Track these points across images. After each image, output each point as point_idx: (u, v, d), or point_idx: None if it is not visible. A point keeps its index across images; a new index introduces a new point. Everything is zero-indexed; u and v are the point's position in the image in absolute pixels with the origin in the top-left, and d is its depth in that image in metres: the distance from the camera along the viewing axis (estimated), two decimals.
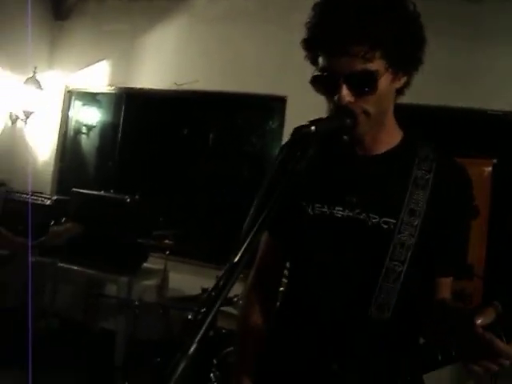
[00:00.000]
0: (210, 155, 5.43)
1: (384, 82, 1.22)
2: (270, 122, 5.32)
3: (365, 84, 1.20)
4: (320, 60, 1.25)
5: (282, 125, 5.09)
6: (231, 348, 3.20)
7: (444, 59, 4.20)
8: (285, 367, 1.38)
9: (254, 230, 0.97)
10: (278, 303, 1.51)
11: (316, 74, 1.27)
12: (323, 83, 1.25)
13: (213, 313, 0.89)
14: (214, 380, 3.09)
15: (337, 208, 1.32)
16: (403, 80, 1.29)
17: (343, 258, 1.32)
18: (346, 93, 1.20)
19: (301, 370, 1.34)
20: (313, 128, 1.08)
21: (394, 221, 1.28)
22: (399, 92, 1.32)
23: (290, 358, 1.38)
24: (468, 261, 1.42)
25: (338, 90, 1.20)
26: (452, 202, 1.31)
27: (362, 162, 1.35)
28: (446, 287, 1.37)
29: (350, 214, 1.31)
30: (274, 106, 5.20)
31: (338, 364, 1.27)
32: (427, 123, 4.43)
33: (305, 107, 4.58)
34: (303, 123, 1.10)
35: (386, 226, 1.28)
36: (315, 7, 1.24)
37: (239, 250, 0.94)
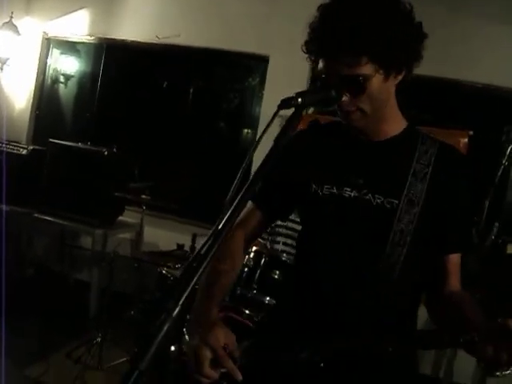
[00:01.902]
0: (189, 109, 5.41)
1: (376, 83, 1.28)
2: (251, 79, 5.31)
3: (353, 87, 1.27)
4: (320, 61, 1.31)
5: (262, 83, 5.07)
6: None
7: (430, 29, 4.20)
8: (282, 342, 1.42)
9: (239, 198, 1.01)
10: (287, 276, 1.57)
11: (318, 73, 1.32)
12: (324, 82, 1.31)
13: (198, 276, 0.93)
14: (185, 333, 3.17)
15: (345, 189, 1.40)
16: (401, 75, 1.34)
17: (351, 235, 1.40)
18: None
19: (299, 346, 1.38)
20: (300, 100, 1.13)
21: (397, 201, 1.36)
22: (401, 83, 1.37)
23: (288, 334, 1.43)
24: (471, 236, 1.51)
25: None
26: (451, 193, 1.40)
27: (365, 147, 1.43)
28: (454, 263, 1.46)
29: (357, 194, 1.39)
30: (255, 64, 5.17)
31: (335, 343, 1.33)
32: (407, 92, 4.46)
33: (286, 67, 4.59)
34: (290, 95, 1.14)
35: (389, 206, 1.37)
36: (319, 9, 1.29)
37: (223, 217, 0.99)
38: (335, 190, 1.41)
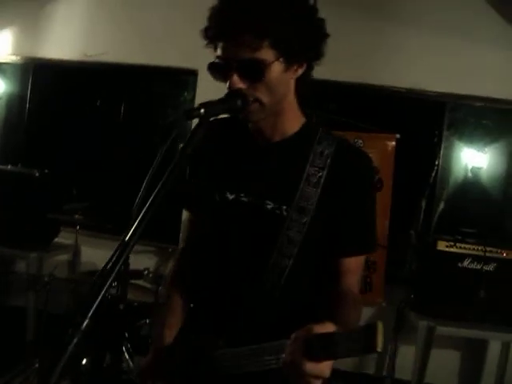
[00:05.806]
0: (122, 127, 5.37)
1: (275, 71, 1.24)
2: (185, 94, 5.32)
3: (252, 72, 1.23)
4: (218, 48, 1.27)
5: (194, 98, 5.09)
6: (143, 321, 3.25)
7: (353, 36, 4.35)
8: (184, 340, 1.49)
9: (145, 208, 1.03)
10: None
11: (212, 61, 1.29)
12: (218, 70, 1.28)
13: (106, 288, 0.93)
14: (125, 351, 3.13)
15: (239, 194, 1.38)
16: (301, 69, 1.31)
17: (240, 242, 1.38)
18: (236, 79, 1.23)
19: (194, 342, 1.42)
20: (202, 111, 1.12)
21: (288, 208, 1.32)
22: (301, 80, 1.34)
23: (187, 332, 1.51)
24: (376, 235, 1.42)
25: (229, 77, 1.24)
26: (345, 198, 1.33)
27: (261, 149, 1.40)
28: (351, 266, 1.36)
29: (251, 199, 1.37)
30: (186, 79, 5.19)
31: (224, 340, 1.33)
32: (336, 99, 4.63)
33: (215, 81, 4.62)
34: (197, 105, 1.14)
35: (278, 212, 1.33)
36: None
37: (130, 228, 0.99)
38: (229, 195, 1.39)
